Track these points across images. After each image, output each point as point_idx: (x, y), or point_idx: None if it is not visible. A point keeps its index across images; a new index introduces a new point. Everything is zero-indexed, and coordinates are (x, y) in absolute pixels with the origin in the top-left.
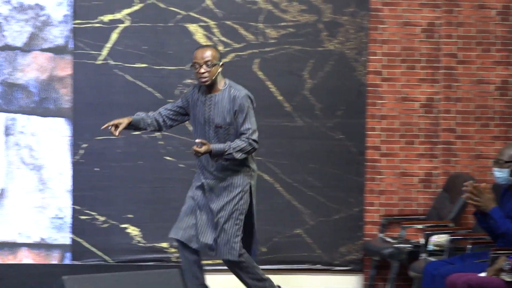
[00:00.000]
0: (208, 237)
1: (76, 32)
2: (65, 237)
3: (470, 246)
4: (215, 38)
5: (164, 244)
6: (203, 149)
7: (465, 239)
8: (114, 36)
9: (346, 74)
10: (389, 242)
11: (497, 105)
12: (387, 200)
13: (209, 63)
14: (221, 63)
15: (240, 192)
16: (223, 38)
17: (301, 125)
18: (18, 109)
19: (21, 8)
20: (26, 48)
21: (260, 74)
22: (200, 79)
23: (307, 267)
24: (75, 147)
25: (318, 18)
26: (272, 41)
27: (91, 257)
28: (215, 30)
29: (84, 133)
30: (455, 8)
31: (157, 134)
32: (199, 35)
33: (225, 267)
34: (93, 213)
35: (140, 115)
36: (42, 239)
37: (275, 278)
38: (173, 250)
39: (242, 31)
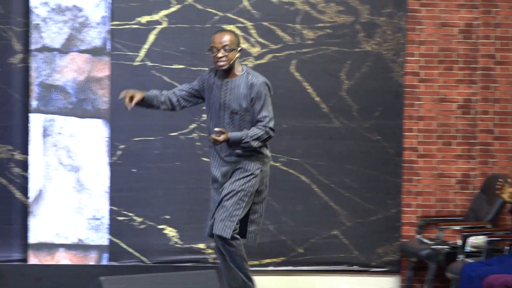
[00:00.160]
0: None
1: (113, 34)
2: (102, 238)
3: (508, 248)
4: (252, 39)
5: (201, 245)
6: (221, 137)
7: (502, 240)
8: (151, 37)
9: (383, 75)
10: (426, 243)
11: None
12: (425, 201)
13: (227, 47)
14: (239, 49)
15: (249, 175)
16: (260, 39)
17: (338, 126)
18: (56, 110)
19: (59, 10)
20: (64, 50)
21: (297, 75)
22: (217, 63)
23: (344, 268)
24: (112, 148)
25: (355, 19)
26: (309, 42)
27: (128, 258)
28: (252, 31)
29: (122, 134)
30: (493, 8)
31: (194, 135)
32: None
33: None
34: (130, 214)
35: (153, 92)
36: (80, 240)
37: (311, 279)
38: (210, 251)
39: (279, 32)
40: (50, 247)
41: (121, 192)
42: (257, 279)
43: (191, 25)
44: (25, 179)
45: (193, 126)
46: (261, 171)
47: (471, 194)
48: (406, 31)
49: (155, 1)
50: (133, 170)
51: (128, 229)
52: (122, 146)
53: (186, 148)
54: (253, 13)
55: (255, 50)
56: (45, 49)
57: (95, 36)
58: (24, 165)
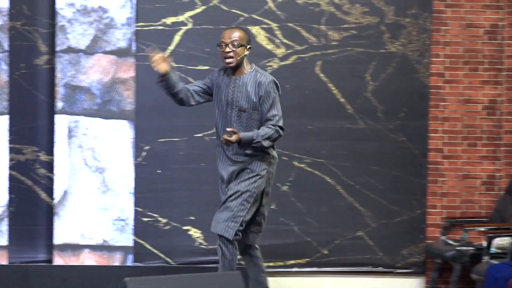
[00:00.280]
0: None
1: (138, 35)
2: (127, 239)
3: None
4: (277, 40)
5: None
6: (233, 137)
7: None
8: (176, 38)
9: (408, 76)
10: (451, 244)
11: None
12: (450, 202)
13: (235, 43)
14: (248, 46)
15: (255, 176)
16: (285, 40)
17: (363, 127)
18: (81, 112)
19: (85, 11)
20: (89, 51)
21: (322, 76)
22: (224, 59)
23: (369, 269)
24: (137, 149)
25: (380, 20)
26: (334, 43)
27: (153, 259)
28: (277, 32)
29: (147, 135)
30: None
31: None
32: (261, 37)
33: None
34: (155, 215)
35: (177, 75)
36: (105, 241)
37: (336, 281)
38: None
39: (304, 33)
40: (75, 248)
41: (146, 193)
42: (282, 280)
43: (216, 26)
44: (50, 180)
45: None
46: (267, 172)
47: (496, 195)
48: (431, 32)
49: (181, 2)
50: (158, 171)
51: (153, 230)
52: (147, 147)
53: (210, 149)
54: (278, 14)
55: (280, 51)
56: (70, 50)
57: (120, 37)
58: (50, 166)
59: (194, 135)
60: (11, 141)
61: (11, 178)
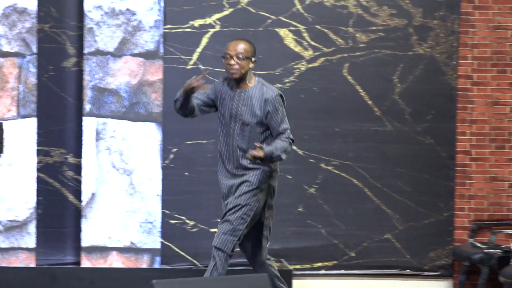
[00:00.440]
0: None
1: (166, 37)
2: (154, 241)
3: None
4: (305, 43)
5: None
6: (262, 153)
7: None
8: (204, 40)
9: (436, 78)
10: (479, 247)
11: None
12: (477, 205)
13: (240, 55)
14: (253, 59)
15: (255, 189)
16: (312, 43)
17: (390, 130)
18: (109, 114)
19: (113, 14)
20: (117, 53)
21: (349, 78)
22: (229, 71)
23: (396, 272)
24: (165, 151)
25: (408, 22)
26: (362, 45)
27: (180, 262)
28: (305, 35)
29: (174, 138)
30: None
31: None
32: (289, 39)
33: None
34: (182, 217)
35: None
36: (132, 243)
37: (363, 283)
38: None
39: (332, 36)
40: (102, 250)
41: (173, 196)
42: (309, 283)
43: (244, 28)
44: (78, 183)
45: None
46: (268, 185)
47: None
48: (459, 34)
49: (208, 5)
50: (185, 173)
51: (180, 232)
52: (174, 150)
53: None
54: (306, 17)
55: (308, 54)
56: (98, 52)
57: (148, 40)
58: (77, 169)
59: None
60: (39, 144)
61: (39, 180)
